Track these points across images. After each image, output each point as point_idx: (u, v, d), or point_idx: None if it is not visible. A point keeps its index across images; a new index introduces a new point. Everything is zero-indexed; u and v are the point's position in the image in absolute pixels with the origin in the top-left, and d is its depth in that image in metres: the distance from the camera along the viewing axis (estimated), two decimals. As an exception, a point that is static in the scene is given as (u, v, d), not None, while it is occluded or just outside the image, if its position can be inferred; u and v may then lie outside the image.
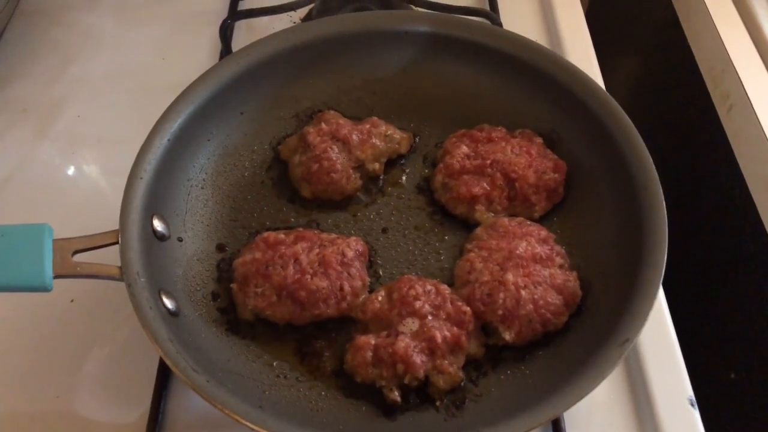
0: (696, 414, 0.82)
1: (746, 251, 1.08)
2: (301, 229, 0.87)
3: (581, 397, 0.66)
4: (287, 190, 0.92)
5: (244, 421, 0.65)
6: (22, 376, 0.87)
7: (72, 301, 0.92)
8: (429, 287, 0.79)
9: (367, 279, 0.83)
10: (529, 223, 0.86)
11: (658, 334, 0.87)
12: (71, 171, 1.08)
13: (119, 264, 0.74)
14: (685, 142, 1.29)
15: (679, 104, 1.31)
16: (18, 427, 0.83)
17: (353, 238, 0.85)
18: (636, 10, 1.53)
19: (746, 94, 1.04)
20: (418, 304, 0.77)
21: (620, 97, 0.90)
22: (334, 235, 0.85)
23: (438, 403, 0.75)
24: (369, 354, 0.75)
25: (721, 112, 1.11)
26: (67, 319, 0.91)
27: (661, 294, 0.91)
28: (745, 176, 1.03)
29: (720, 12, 1.16)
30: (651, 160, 0.82)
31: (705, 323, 1.19)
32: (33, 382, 0.86)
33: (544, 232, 0.84)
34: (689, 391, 0.83)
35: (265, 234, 0.84)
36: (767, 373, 1.04)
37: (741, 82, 1.05)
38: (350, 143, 0.91)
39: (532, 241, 0.82)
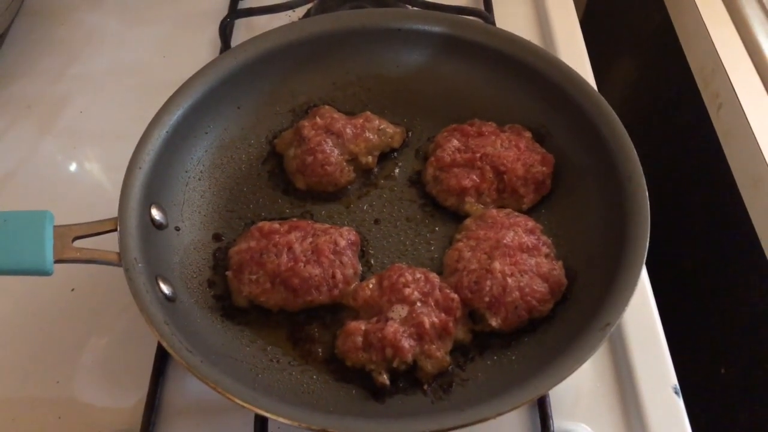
0: (680, 402, 0.83)
1: (736, 248, 1.09)
2: (295, 219, 0.89)
3: (562, 379, 0.68)
4: (282, 182, 0.94)
5: (236, 400, 0.67)
6: (24, 363, 0.89)
7: (73, 290, 0.94)
8: (418, 275, 0.81)
9: (359, 267, 0.85)
10: (516, 214, 0.88)
11: (643, 324, 0.88)
12: (73, 166, 1.10)
13: (118, 250, 0.76)
14: (677, 141, 1.30)
15: (671, 103, 1.33)
16: (20, 411, 0.85)
17: (346, 228, 0.87)
18: (631, 13, 1.55)
19: (735, 93, 1.05)
20: (407, 291, 0.79)
21: (614, 96, 0.92)
22: (327, 225, 0.87)
23: (426, 387, 0.77)
24: (359, 339, 0.77)
25: (711, 111, 1.12)
26: (68, 307, 0.93)
27: (646, 284, 0.93)
28: (733, 173, 1.05)
29: (711, 13, 1.17)
30: (635, 152, 0.83)
31: (696, 319, 1.20)
32: (34, 368, 0.88)
33: (531, 223, 0.86)
34: (673, 379, 0.85)
35: (260, 224, 0.86)
36: (756, 368, 1.05)
37: (730, 81, 1.07)
38: (344, 137, 0.93)
39: (519, 231, 0.84)
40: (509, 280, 0.79)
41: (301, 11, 1.24)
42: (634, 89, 1.51)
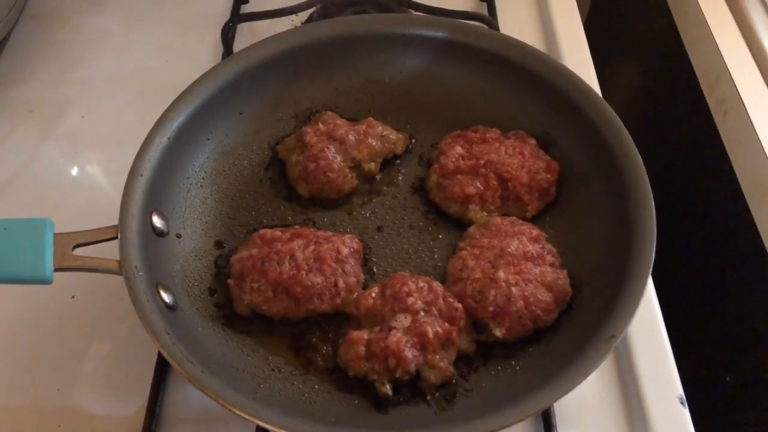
0: (686, 412, 0.82)
1: (741, 255, 1.08)
2: (297, 226, 0.88)
3: (568, 391, 0.67)
4: (285, 189, 0.94)
5: (237, 411, 0.66)
6: (25, 370, 0.88)
7: (73, 297, 0.93)
8: (422, 284, 0.80)
9: (362, 275, 0.84)
10: (521, 222, 0.87)
11: (648, 334, 0.88)
12: (75, 171, 1.10)
13: (119, 259, 0.75)
14: (682, 147, 1.30)
15: (677, 109, 1.32)
16: (19, 419, 0.85)
17: (348, 235, 0.86)
18: (635, 18, 1.55)
19: (741, 99, 1.05)
20: (410, 300, 0.78)
21: (619, 102, 0.92)
22: (329, 233, 0.86)
23: (429, 397, 0.76)
24: (362, 348, 0.76)
25: (716, 117, 1.12)
26: (68, 314, 0.92)
27: (652, 293, 0.92)
28: (739, 180, 1.04)
29: (716, 18, 1.17)
30: (641, 159, 0.83)
31: (701, 327, 1.20)
32: (35, 375, 0.88)
33: (535, 231, 0.85)
34: (679, 389, 0.84)
35: (262, 231, 0.85)
36: (762, 377, 1.04)
37: (736, 87, 1.06)
38: (347, 143, 0.92)
39: (524, 239, 0.83)
40: (513, 289, 0.79)
41: (303, 16, 1.24)
42: (639, 95, 1.50)
